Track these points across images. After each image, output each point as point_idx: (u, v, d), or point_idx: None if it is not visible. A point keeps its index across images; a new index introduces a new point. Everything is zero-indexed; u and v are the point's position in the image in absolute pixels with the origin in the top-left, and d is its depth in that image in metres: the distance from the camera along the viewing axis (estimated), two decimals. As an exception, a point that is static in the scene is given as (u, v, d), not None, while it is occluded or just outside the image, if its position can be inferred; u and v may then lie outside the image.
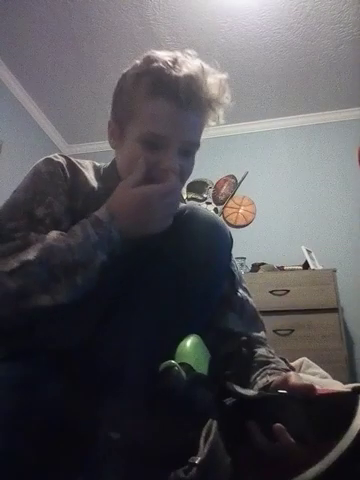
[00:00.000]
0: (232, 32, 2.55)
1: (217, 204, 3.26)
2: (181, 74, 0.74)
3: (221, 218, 0.85)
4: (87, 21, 2.46)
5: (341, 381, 1.58)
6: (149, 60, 0.77)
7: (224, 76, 0.81)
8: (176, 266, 0.75)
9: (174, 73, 0.74)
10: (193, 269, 0.75)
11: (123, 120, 0.79)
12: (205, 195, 3.27)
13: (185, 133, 0.77)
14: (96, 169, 0.88)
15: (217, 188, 3.30)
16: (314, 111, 3.19)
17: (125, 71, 0.82)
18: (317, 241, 2.93)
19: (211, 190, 3.30)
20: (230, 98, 0.83)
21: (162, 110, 0.74)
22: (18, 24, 2.50)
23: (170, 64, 0.75)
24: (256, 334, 0.87)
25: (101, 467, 0.55)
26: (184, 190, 3.30)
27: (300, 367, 1.61)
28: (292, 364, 1.64)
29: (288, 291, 2.44)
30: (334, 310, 2.37)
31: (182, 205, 0.84)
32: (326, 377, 1.48)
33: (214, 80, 0.78)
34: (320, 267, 2.67)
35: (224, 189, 3.28)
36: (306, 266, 2.65)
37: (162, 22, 2.46)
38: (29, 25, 2.50)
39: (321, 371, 1.52)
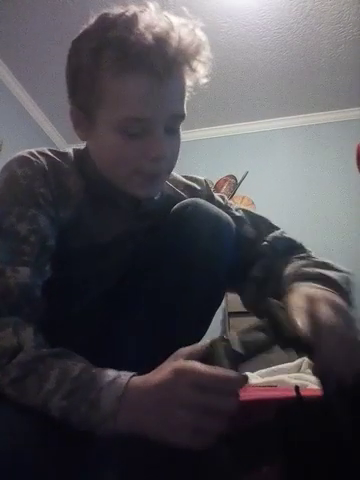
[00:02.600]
0: (232, 32, 2.55)
1: (217, 204, 3.26)
2: (150, 40, 0.58)
3: (225, 214, 0.78)
4: (87, 21, 2.46)
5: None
6: (104, 26, 0.62)
7: (197, 23, 0.66)
8: (179, 265, 0.73)
9: (140, 40, 0.58)
10: (196, 268, 0.73)
11: (88, 105, 0.65)
12: (205, 195, 3.27)
13: (169, 108, 0.64)
14: (77, 158, 0.76)
15: (217, 188, 3.30)
16: (314, 111, 3.19)
17: (76, 42, 0.67)
18: (317, 241, 2.93)
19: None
20: (208, 48, 0.66)
21: (138, 88, 0.60)
22: (18, 24, 2.49)
23: (132, 28, 0.59)
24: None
25: (101, 468, 0.55)
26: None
27: (300, 367, 1.61)
28: (292, 364, 1.64)
29: (288, 291, 2.44)
30: (334, 310, 2.36)
31: (185, 200, 0.77)
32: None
33: (188, 33, 0.63)
34: (320, 267, 2.66)
35: (224, 189, 3.27)
36: (306, 266, 2.65)
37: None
38: (29, 25, 2.50)
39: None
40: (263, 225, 0.85)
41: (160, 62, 0.59)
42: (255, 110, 3.19)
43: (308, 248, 0.83)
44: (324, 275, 0.66)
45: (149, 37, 0.58)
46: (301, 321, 0.51)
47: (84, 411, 0.50)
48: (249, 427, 0.53)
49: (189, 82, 0.67)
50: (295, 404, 0.52)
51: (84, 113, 0.67)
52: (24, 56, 2.71)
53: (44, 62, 2.73)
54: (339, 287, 0.63)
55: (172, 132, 0.67)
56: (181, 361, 0.50)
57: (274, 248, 0.80)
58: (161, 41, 0.59)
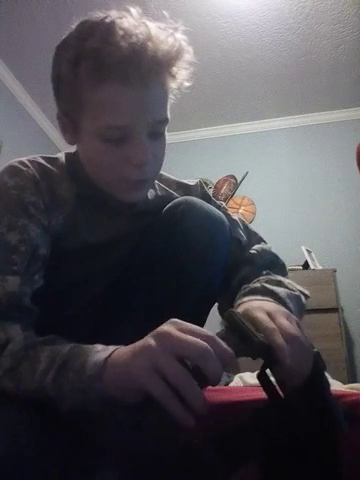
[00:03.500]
0: (232, 32, 2.55)
1: (217, 204, 3.26)
2: (125, 50, 0.59)
3: (218, 212, 0.78)
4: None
5: (341, 381, 1.58)
6: (82, 36, 0.62)
7: (178, 27, 0.66)
8: (173, 265, 0.72)
9: (116, 51, 0.59)
10: (190, 267, 0.72)
11: (71, 113, 0.66)
12: (205, 195, 3.27)
13: (149, 114, 0.64)
14: (68, 163, 0.76)
15: (217, 188, 3.30)
16: (314, 111, 3.19)
17: (58, 49, 0.67)
18: (317, 241, 2.93)
19: (211, 190, 3.30)
20: (191, 51, 0.66)
21: (114, 97, 0.61)
22: (18, 25, 2.50)
23: (108, 38, 0.60)
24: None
25: (100, 470, 0.56)
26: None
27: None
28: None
29: (288, 291, 2.44)
30: (334, 310, 2.37)
31: (177, 199, 0.77)
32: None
33: (168, 40, 0.63)
34: (320, 267, 2.67)
35: (224, 189, 3.28)
36: (306, 266, 2.66)
37: (162, 22, 2.46)
38: (29, 26, 2.50)
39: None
40: (254, 237, 0.87)
41: (135, 72, 0.60)
42: (255, 110, 3.19)
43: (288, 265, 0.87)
44: (268, 289, 0.69)
45: (125, 47, 0.59)
46: (268, 331, 0.53)
47: (72, 377, 0.50)
48: (230, 428, 0.54)
49: (172, 85, 0.67)
50: (267, 405, 0.53)
51: (68, 119, 0.68)
52: (24, 56, 2.72)
53: (44, 62, 2.73)
54: (283, 302, 0.67)
55: (156, 136, 0.67)
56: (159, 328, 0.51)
57: (261, 257, 0.83)
58: (137, 52, 0.59)
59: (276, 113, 3.23)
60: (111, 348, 0.52)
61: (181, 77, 0.67)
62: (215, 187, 3.31)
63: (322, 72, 2.82)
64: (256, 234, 0.89)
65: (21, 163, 0.69)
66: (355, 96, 3.02)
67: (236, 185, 3.26)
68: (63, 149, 3.33)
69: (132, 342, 0.51)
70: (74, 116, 0.66)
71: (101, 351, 0.52)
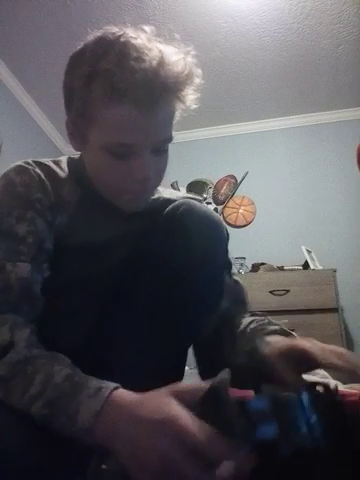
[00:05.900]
0: (232, 32, 2.55)
1: (217, 204, 3.26)
2: (137, 75, 0.61)
3: (217, 214, 0.83)
4: (87, 21, 2.46)
5: (341, 381, 1.58)
6: (97, 55, 0.64)
7: (187, 50, 0.69)
8: (171, 267, 0.73)
9: (128, 76, 0.61)
10: (188, 270, 0.73)
11: (81, 125, 0.69)
12: (205, 195, 3.27)
13: (155, 135, 0.68)
14: (72, 168, 0.79)
15: (217, 188, 3.30)
16: (314, 111, 3.19)
17: (72, 61, 0.70)
18: (317, 241, 2.93)
19: (211, 190, 3.30)
20: (200, 73, 0.70)
21: (124, 117, 0.64)
22: (18, 24, 2.50)
23: (122, 61, 0.62)
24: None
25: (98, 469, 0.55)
26: (184, 190, 3.30)
27: (300, 367, 1.60)
28: (292, 364, 1.64)
29: (288, 291, 2.44)
30: (334, 310, 2.37)
31: (178, 201, 0.79)
32: (326, 377, 1.48)
33: (178, 66, 0.66)
34: (320, 267, 2.67)
35: (224, 189, 3.28)
36: (306, 266, 2.66)
37: (162, 22, 2.46)
38: (29, 25, 2.50)
39: (321, 371, 1.51)
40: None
41: (146, 98, 0.63)
42: (255, 110, 3.19)
43: None
44: (284, 329, 0.75)
45: (137, 72, 0.62)
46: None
47: (63, 422, 0.51)
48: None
49: (180, 107, 0.71)
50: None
51: (77, 129, 0.71)
52: (24, 56, 2.71)
53: (44, 62, 2.74)
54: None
55: (159, 153, 0.71)
56: (177, 409, 0.46)
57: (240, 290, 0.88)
58: (148, 78, 0.62)
59: (276, 113, 3.23)
60: (104, 393, 0.50)
61: (189, 100, 0.71)
62: (215, 187, 3.31)
63: (322, 72, 2.82)
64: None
65: (27, 163, 0.73)
66: (355, 96, 3.02)
67: (236, 185, 3.26)
68: (63, 149, 3.33)
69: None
70: (83, 128, 0.69)
71: (92, 397, 0.50)
